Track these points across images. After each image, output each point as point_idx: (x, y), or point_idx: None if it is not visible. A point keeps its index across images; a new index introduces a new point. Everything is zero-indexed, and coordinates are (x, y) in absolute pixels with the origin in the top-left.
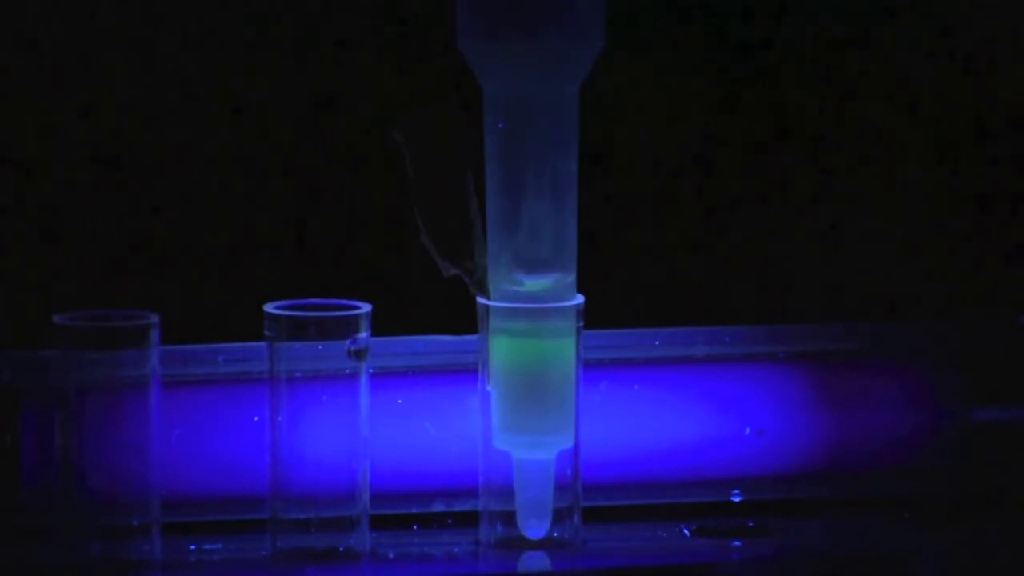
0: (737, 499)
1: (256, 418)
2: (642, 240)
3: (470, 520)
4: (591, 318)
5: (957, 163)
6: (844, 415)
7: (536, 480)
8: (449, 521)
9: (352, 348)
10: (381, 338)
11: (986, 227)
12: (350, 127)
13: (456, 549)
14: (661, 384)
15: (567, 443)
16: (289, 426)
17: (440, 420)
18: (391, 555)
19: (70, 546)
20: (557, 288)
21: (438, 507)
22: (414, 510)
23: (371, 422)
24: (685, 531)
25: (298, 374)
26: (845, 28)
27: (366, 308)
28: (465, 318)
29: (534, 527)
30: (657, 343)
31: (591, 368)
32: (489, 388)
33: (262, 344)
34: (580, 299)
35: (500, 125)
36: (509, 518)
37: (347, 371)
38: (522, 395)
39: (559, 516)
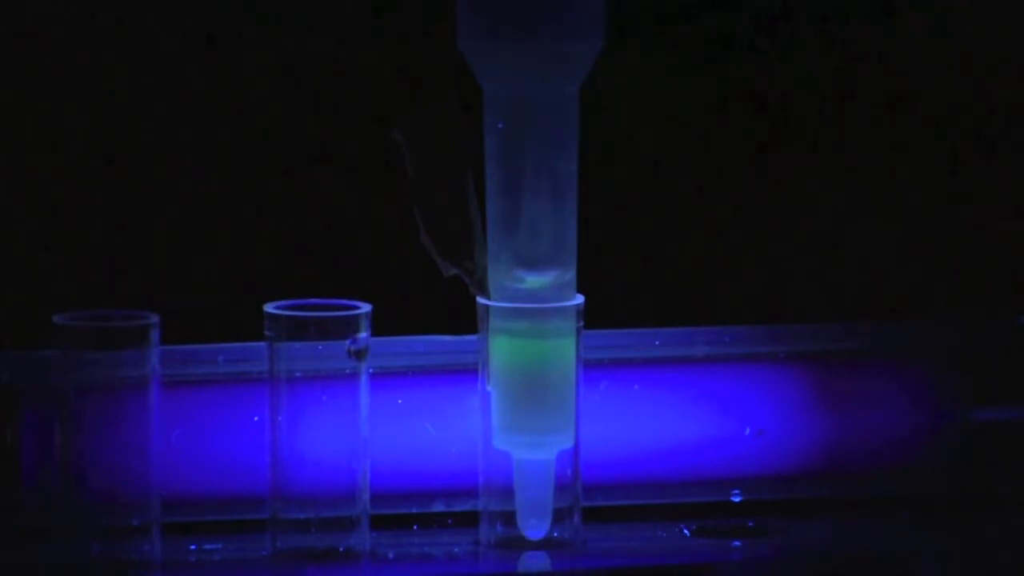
0: (737, 499)
1: (256, 418)
2: (642, 240)
3: (470, 520)
4: (591, 318)
5: (957, 163)
6: (844, 415)
7: (536, 480)
8: (449, 521)
9: (352, 348)
10: (381, 338)
11: (986, 227)
12: (350, 127)
13: (456, 549)
14: (661, 384)
15: (567, 443)
16: (289, 426)
17: (440, 420)
18: (391, 555)
19: (70, 546)
20: (557, 284)
21: (438, 507)
22: (414, 510)
23: (371, 422)
24: (685, 531)
25: (298, 374)
26: (845, 28)
27: (366, 308)
28: (465, 318)
29: (534, 527)
30: (657, 343)
31: (591, 368)
32: (489, 388)
33: (262, 344)
34: (580, 299)
35: (500, 125)
36: (509, 518)
37: (347, 371)
38: (522, 395)
39: (559, 516)
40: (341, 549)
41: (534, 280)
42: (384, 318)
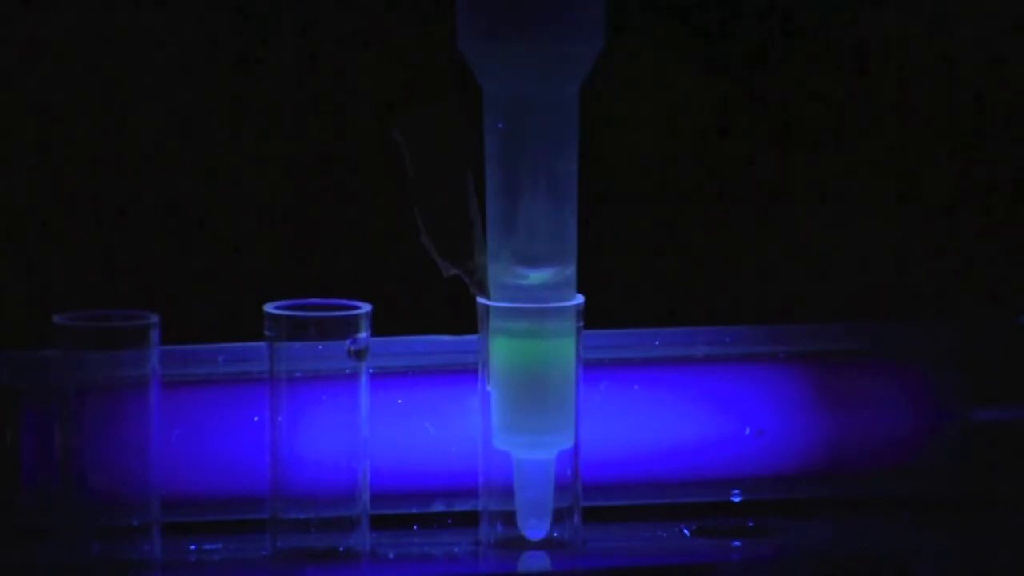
0: (737, 499)
1: (256, 418)
2: (642, 240)
3: (470, 520)
4: (591, 318)
5: (957, 163)
6: (844, 415)
7: (536, 480)
8: (449, 521)
9: (352, 348)
10: (381, 338)
11: (986, 227)
12: (350, 127)
13: (456, 549)
14: (661, 384)
15: (567, 443)
16: (289, 426)
17: (440, 420)
18: (391, 555)
19: (70, 546)
20: (557, 279)
21: (438, 507)
22: (414, 510)
23: (371, 422)
24: (685, 531)
25: (298, 374)
26: (845, 28)
27: (366, 308)
28: (465, 318)
29: (534, 527)
30: (657, 343)
31: (591, 368)
32: (489, 388)
33: (262, 344)
34: (580, 299)
35: (500, 125)
36: (509, 518)
37: (347, 371)
38: (522, 395)
39: (559, 516)
40: (341, 549)
41: (537, 276)
42: (384, 318)
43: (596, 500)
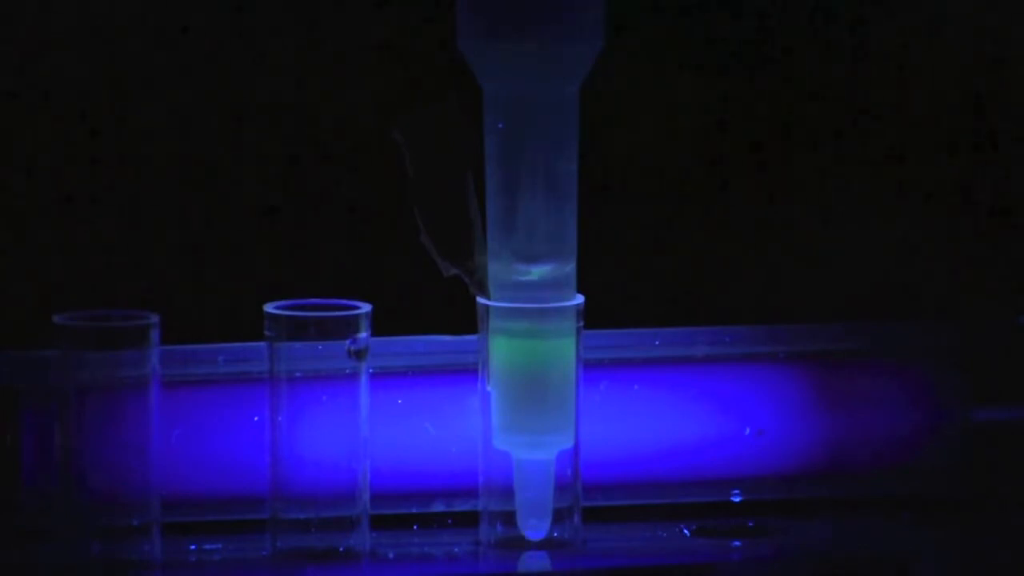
0: (737, 499)
1: (256, 418)
2: (642, 240)
3: (470, 520)
4: (591, 318)
5: (958, 163)
6: (844, 415)
7: (536, 480)
8: (449, 521)
9: (352, 348)
10: (381, 338)
11: (986, 227)
12: (350, 127)
13: (456, 549)
14: (661, 384)
15: (567, 443)
16: (289, 426)
17: (440, 420)
18: (391, 555)
19: (70, 546)
20: (557, 274)
21: (438, 507)
22: (414, 510)
23: (371, 422)
24: (685, 531)
25: (298, 374)
26: (845, 28)
27: (366, 308)
28: (465, 318)
29: (534, 527)
30: (657, 343)
31: (591, 368)
32: (489, 388)
33: (262, 344)
34: (580, 299)
35: (500, 125)
36: (509, 518)
37: (347, 371)
38: (522, 395)
39: (559, 516)
40: (341, 549)
41: (538, 270)
42: (384, 318)
43: (596, 500)
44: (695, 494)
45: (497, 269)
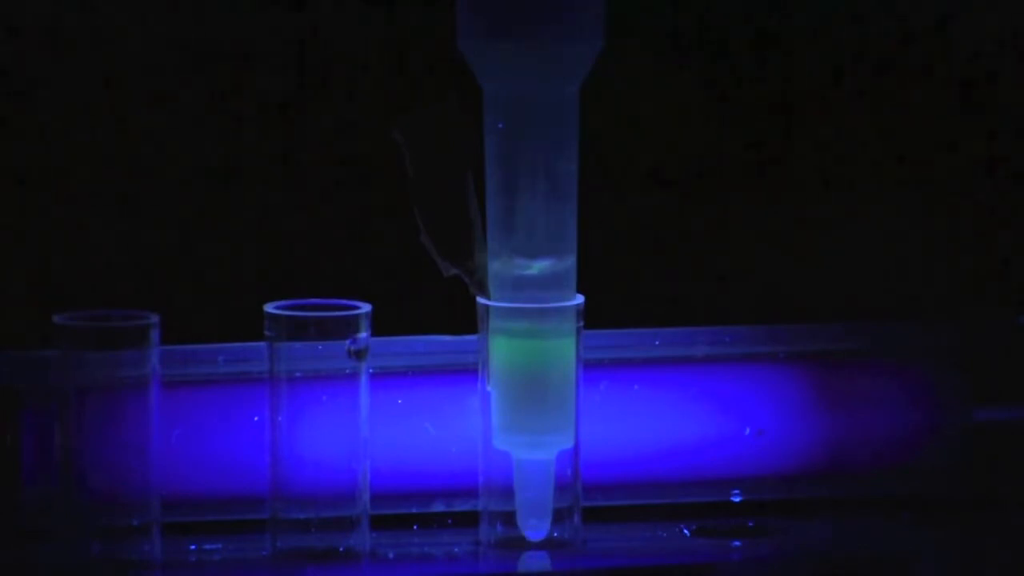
0: (737, 499)
1: (256, 418)
2: (642, 240)
3: (470, 520)
4: (591, 318)
5: (958, 163)
6: (844, 415)
7: (536, 480)
8: (449, 521)
9: (352, 348)
10: (381, 338)
11: (986, 227)
12: (350, 127)
13: (456, 549)
14: (661, 384)
15: (567, 443)
16: (289, 426)
17: (440, 420)
18: (391, 555)
19: (70, 546)
20: (557, 269)
21: (438, 507)
22: (414, 510)
23: (371, 422)
24: (685, 531)
25: (298, 374)
26: (846, 27)
27: (366, 308)
28: (465, 318)
29: (534, 527)
30: (657, 343)
31: (591, 368)
32: (489, 388)
33: (262, 344)
34: (580, 299)
35: (500, 125)
36: (509, 518)
37: (347, 371)
38: (522, 395)
39: (559, 516)
40: (341, 549)
41: (539, 264)
42: (384, 318)
43: (596, 500)
44: (695, 494)
45: (497, 268)
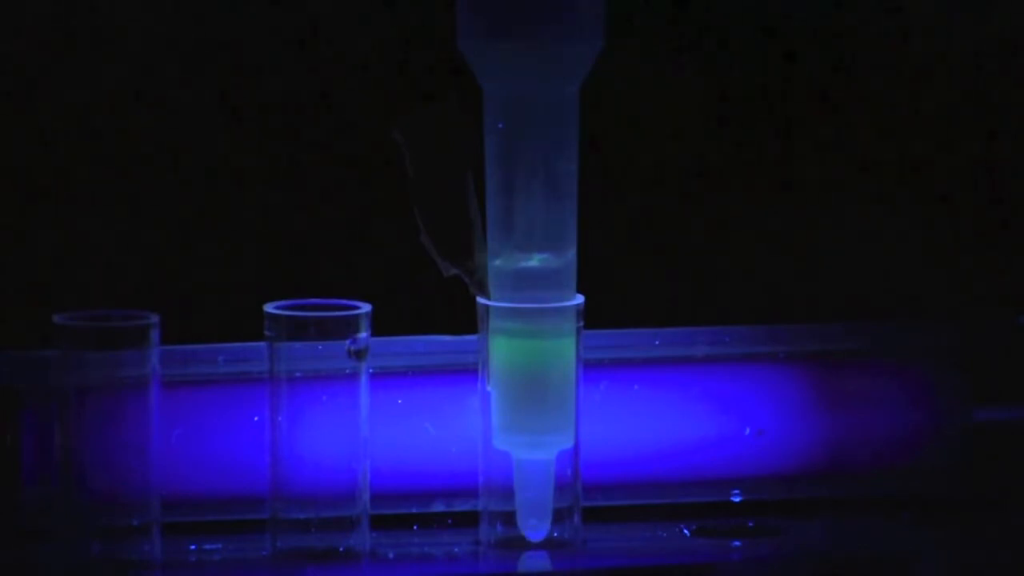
0: (737, 499)
1: (256, 418)
2: (642, 240)
3: (470, 520)
4: (591, 318)
5: (958, 163)
6: (844, 415)
7: (536, 480)
8: (449, 521)
9: (352, 348)
10: (381, 338)
11: (986, 227)
12: (350, 127)
13: (456, 549)
14: (661, 384)
15: (567, 443)
16: (289, 426)
17: (440, 420)
18: (391, 555)
19: (70, 546)
20: (557, 264)
21: (438, 507)
22: (414, 510)
23: (371, 422)
24: (685, 531)
25: (298, 374)
26: (846, 27)
27: (366, 308)
28: (465, 318)
29: (534, 527)
30: (657, 343)
31: (591, 368)
32: (489, 388)
33: (262, 344)
34: (580, 299)
35: (500, 125)
36: (509, 518)
37: (347, 371)
38: (522, 395)
39: (559, 516)
40: (341, 549)
41: (539, 257)
42: (384, 318)
43: (596, 500)
44: (695, 494)
45: (497, 265)
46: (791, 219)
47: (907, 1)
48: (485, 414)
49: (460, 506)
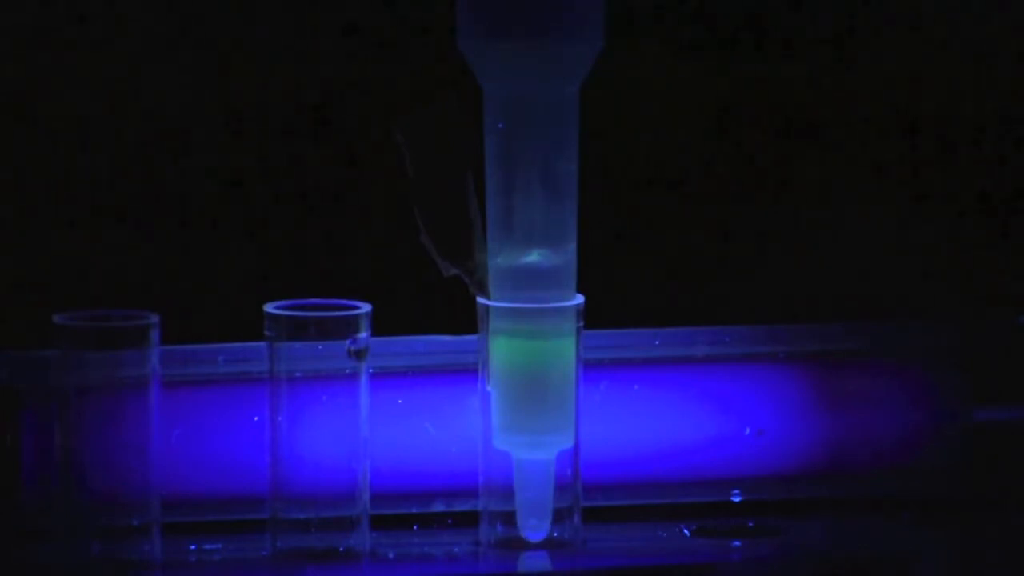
0: (737, 499)
1: (256, 418)
2: (642, 240)
3: (470, 520)
4: (591, 318)
5: (957, 163)
6: (844, 415)
7: (536, 480)
8: (449, 521)
9: (352, 348)
10: (381, 338)
11: (986, 227)
12: (350, 127)
13: (456, 549)
14: (661, 384)
15: (567, 443)
16: (289, 426)
17: (440, 420)
18: (391, 555)
19: (70, 546)
20: (556, 260)
21: (438, 507)
22: (414, 510)
23: (371, 422)
24: (685, 531)
25: (298, 374)
26: (847, 27)
27: (366, 308)
28: (465, 318)
29: (534, 527)
30: (657, 343)
31: (591, 368)
32: (489, 388)
33: (262, 344)
34: (580, 299)
35: (500, 125)
36: (509, 518)
37: (347, 371)
38: (522, 395)
39: (559, 516)
40: (341, 549)
41: (539, 252)
42: (384, 318)
43: (596, 500)
44: (695, 494)
45: (497, 263)
46: (791, 219)
47: (908, 1)
48: (485, 414)
49: (460, 506)
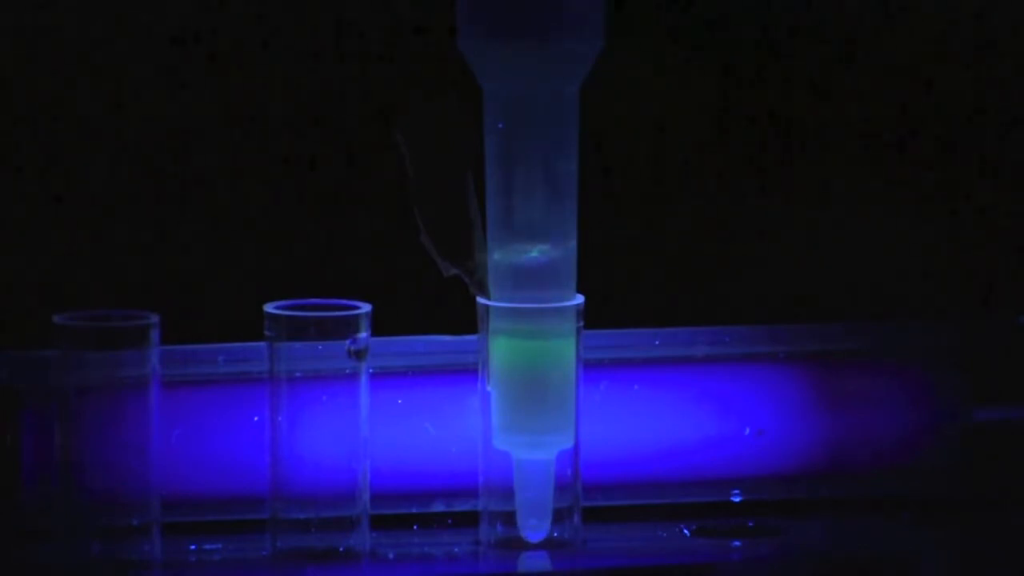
0: (737, 499)
1: (256, 418)
2: (642, 240)
3: (470, 520)
4: (591, 318)
5: (958, 163)
6: (844, 415)
7: (536, 480)
8: (449, 521)
9: (352, 348)
10: (381, 338)
11: (986, 227)
12: (350, 127)
13: (456, 549)
14: (661, 384)
15: (567, 443)
16: (289, 426)
17: (440, 420)
18: (391, 555)
19: (70, 546)
20: (555, 256)
21: (438, 507)
22: (414, 510)
23: (371, 422)
24: (685, 531)
25: (298, 374)
26: (847, 27)
27: (366, 308)
28: (465, 318)
29: (534, 527)
30: (657, 343)
31: (591, 368)
32: (489, 388)
33: (262, 344)
34: (580, 299)
35: (500, 125)
36: (509, 518)
37: (347, 371)
38: (522, 395)
39: (559, 516)
40: (341, 549)
41: (540, 248)
42: (384, 318)
43: (596, 500)
44: (695, 494)
45: (497, 261)
46: (791, 219)
47: (908, 1)
48: (485, 414)
49: (460, 506)
